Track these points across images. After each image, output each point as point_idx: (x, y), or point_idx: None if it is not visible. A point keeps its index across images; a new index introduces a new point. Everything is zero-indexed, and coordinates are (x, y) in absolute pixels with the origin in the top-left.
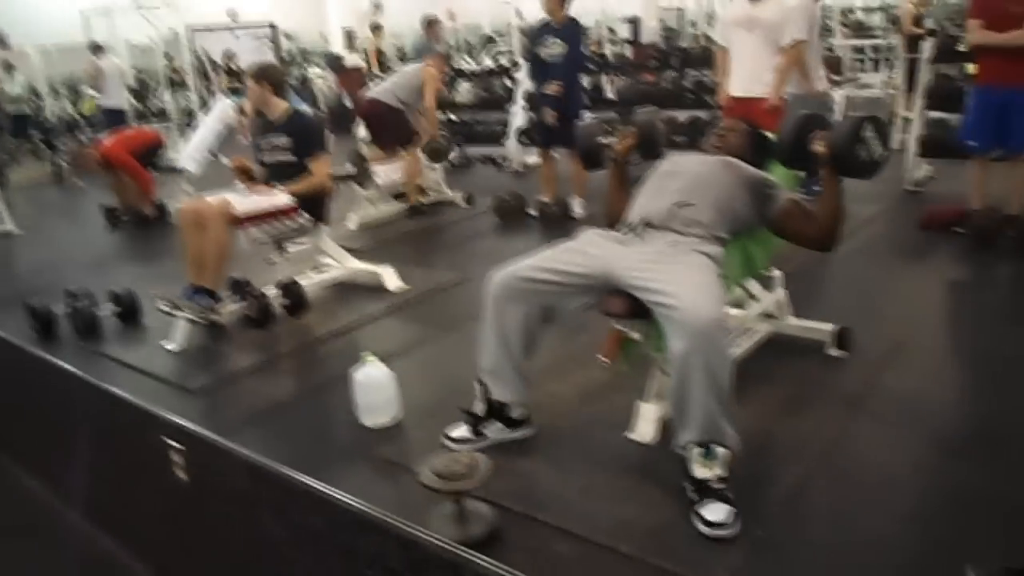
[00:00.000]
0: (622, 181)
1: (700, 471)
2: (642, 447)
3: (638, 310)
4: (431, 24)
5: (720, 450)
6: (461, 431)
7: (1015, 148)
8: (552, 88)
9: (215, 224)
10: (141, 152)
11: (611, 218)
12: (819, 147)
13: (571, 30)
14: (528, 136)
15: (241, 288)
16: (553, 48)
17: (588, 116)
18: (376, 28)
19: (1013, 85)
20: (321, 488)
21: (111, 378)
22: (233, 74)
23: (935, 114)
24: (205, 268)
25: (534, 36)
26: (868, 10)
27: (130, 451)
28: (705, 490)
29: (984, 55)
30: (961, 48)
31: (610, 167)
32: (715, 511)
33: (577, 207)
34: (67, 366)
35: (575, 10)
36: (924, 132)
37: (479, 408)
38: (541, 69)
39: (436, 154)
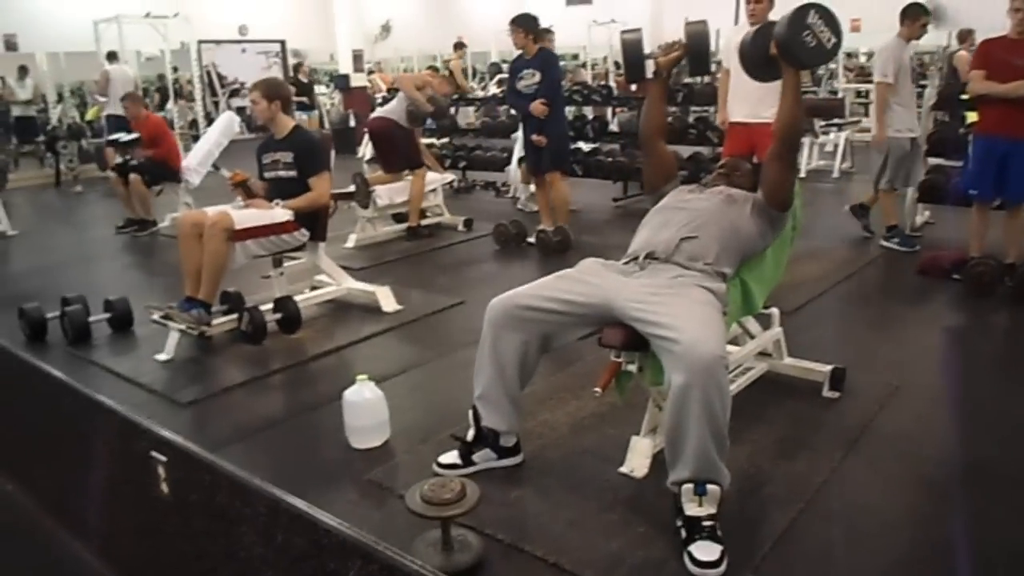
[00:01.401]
0: (662, 95)
1: (692, 509)
2: (633, 482)
3: (636, 342)
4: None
5: (712, 488)
6: (451, 457)
7: (1014, 197)
8: (537, 108)
9: (213, 236)
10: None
11: (645, 132)
12: (772, 47)
13: (544, 59)
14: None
15: (235, 302)
16: (529, 79)
17: (583, 146)
18: (459, 46)
19: (1014, 135)
20: (305, 509)
21: (99, 386)
22: (301, 85)
23: (935, 160)
24: (200, 280)
25: (512, 72)
26: (872, 55)
27: (113, 461)
28: (696, 528)
29: (986, 105)
30: (963, 96)
31: (652, 80)
32: (705, 550)
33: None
34: (53, 371)
35: (583, 43)
36: (924, 178)
37: (470, 434)
38: (521, 103)
39: (440, 112)
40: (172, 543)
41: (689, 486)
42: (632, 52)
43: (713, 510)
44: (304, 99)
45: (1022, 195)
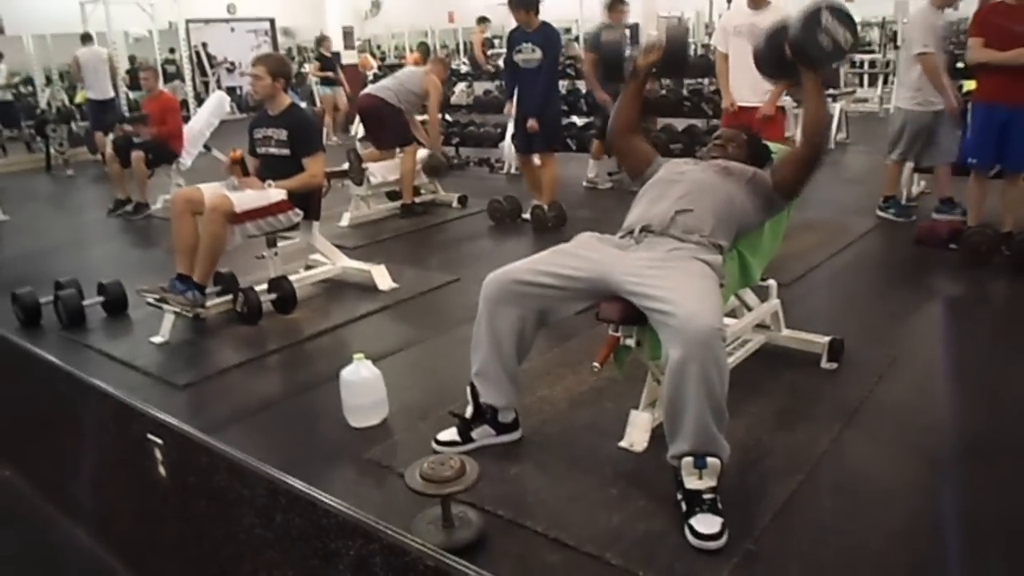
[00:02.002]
0: (636, 97)
1: (692, 482)
2: (632, 456)
3: (634, 316)
4: (614, 5)
5: (712, 461)
6: (449, 434)
7: (1013, 166)
8: (532, 127)
9: (213, 220)
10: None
11: (615, 132)
12: (788, 49)
13: (546, 36)
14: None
15: (228, 283)
16: (529, 54)
17: (576, 120)
18: (482, 20)
19: (1014, 103)
20: (304, 489)
21: (95, 370)
22: (325, 61)
23: None
24: (193, 258)
25: (510, 42)
26: (866, 25)
27: (110, 445)
28: (696, 501)
29: (985, 73)
30: (959, 65)
31: (628, 81)
32: (706, 523)
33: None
34: (48, 356)
35: (577, 16)
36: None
37: (468, 411)
38: (517, 76)
39: (434, 171)
40: (171, 526)
41: (689, 459)
42: (612, 53)
43: (713, 483)
44: (329, 74)
45: (1022, 163)
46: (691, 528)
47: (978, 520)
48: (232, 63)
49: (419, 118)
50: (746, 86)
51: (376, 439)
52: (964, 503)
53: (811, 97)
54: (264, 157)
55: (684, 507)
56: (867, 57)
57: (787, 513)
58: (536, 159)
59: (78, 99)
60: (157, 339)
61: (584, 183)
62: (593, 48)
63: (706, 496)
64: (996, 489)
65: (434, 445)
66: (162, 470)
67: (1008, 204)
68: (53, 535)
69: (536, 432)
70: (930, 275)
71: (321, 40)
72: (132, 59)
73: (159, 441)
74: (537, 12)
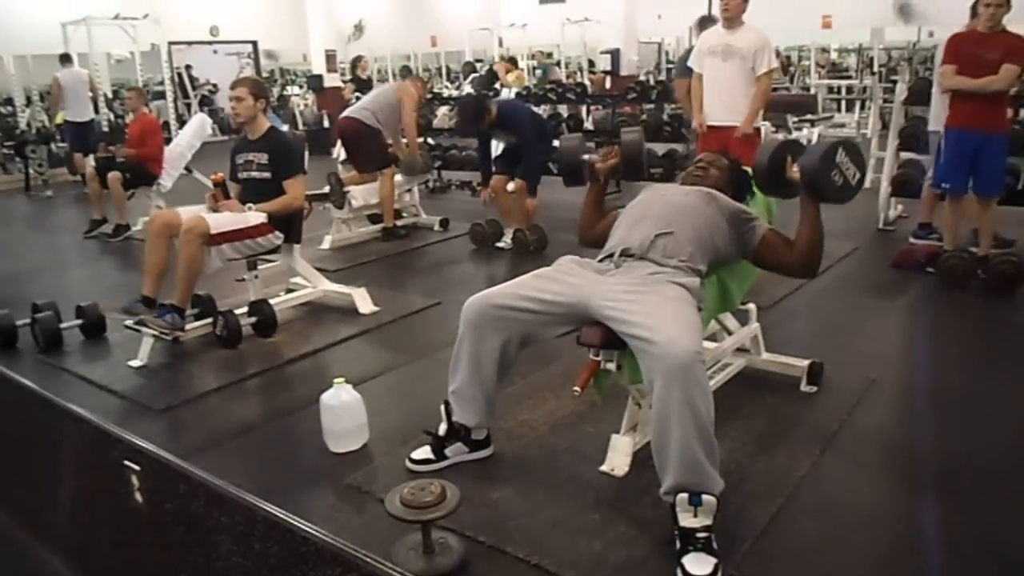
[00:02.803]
0: (599, 201)
1: (686, 520)
2: (614, 480)
3: (614, 341)
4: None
5: (708, 499)
6: (423, 452)
7: (986, 190)
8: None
9: (189, 241)
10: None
11: (583, 237)
12: (795, 173)
13: (511, 119)
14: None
15: (206, 306)
16: (507, 139)
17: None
18: (512, 61)
19: (985, 129)
20: (283, 517)
21: (72, 394)
22: (361, 83)
23: (907, 155)
24: (160, 281)
25: (483, 134)
26: (843, 51)
27: (86, 471)
28: (690, 540)
29: (957, 99)
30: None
31: (590, 185)
32: (699, 563)
33: (509, 239)
34: (23, 380)
35: (556, 42)
36: (897, 172)
37: (441, 428)
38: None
39: (410, 169)
40: (148, 554)
41: (684, 496)
42: (569, 157)
43: (708, 521)
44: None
45: (994, 188)
46: (683, 568)
47: (958, 543)
48: (215, 85)
49: (403, 141)
50: (721, 106)
51: (357, 464)
52: (944, 526)
53: (810, 224)
54: (246, 182)
55: (678, 545)
56: (844, 83)
57: (768, 537)
58: (511, 185)
59: (58, 120)
60: (135, 363)
61: None
62: (681, 74)
63: (700, 535)
64: (976, 512)
65: (408, 464)
66: (139, 497)
67: (983, 229)
68: (28, 562)
69: (517, 456)
70: (908, 299)
71: (357, 60)
72: (116, 92)
73: (136, 467)
74: (488, 114)
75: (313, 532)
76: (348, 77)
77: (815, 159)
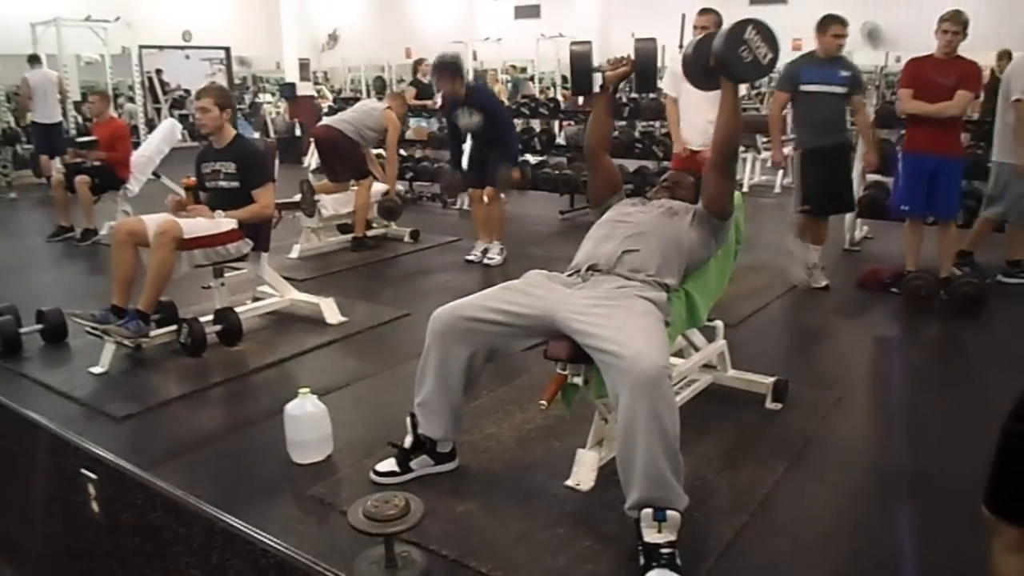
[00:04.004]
0: (608, 109)
1: (650, 535)
2: (579, 495)
3: (581, 355)
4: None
5: (672, 515)
6: (388, 464)
7: (943, 213)
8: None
9: (162, 245)
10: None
11: (590, 145)
12: (711, 59)
13: (478, 100)
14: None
15: (168, 312)
16: (466, 119)
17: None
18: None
19: (941, 153)
20: (243, 528)
21: (30, 400)
22: (422, 87)
23: (873, 176)
24: (130, 290)
25: (448, 109)
26: None
27: (43, 479)
28: (654, 556)
29: (914, 124)
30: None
31: (599, 94)
32: None
33: (494, 253)
34: None
35: (531, 57)
36: (863, 193)
37: (407, 441)
38: (462, 135)
39: (389, 213)
40: (104, 564)
41: (648, 511)
42: (580, 64)
43: (673, 537)
44: (427, 103)
45: (950, 211)
46: None
47: (922, 560)
48: (187, 91)
49: (374, 151)
50: (696, 131)
51: (320, 476)
52: (907, 543)
53: (726, 106)
54: (213, 191)
55: (642, 560)
56: None
57: (732, 554)
58: (485, 197)
59: (27, 120)
60: (96, 369)
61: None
62: (782, 87)
63: (664, 551)
64: (938, 528)
65: (372, 476)
66: (95, 506)
67: (943, 251)
68: None
69: (483, 470)
70: (873, 318)
71: (418, 63)
72: (85, 95)
73: (93, 476)
74: (461, 80)
75: (273, 545)
76: (409, 79)
77: (722, 37)
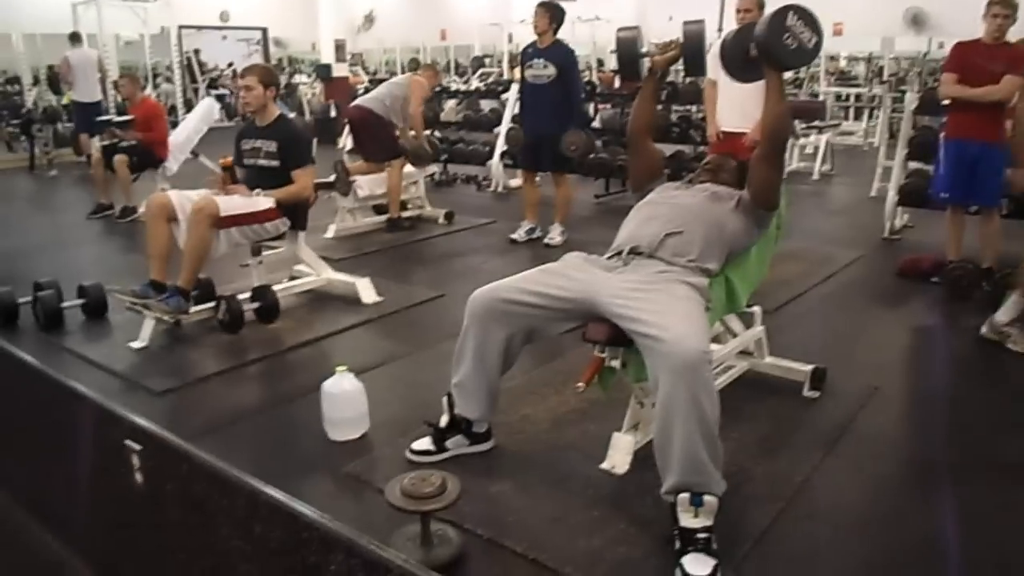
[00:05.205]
0: (654, 95)
1: (687, 520)
2: (614, 478)
3: (619, 338)
4: None
5: (709, 499)
6: (424, 443)
7: (985, 201)
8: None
9: (198, 222)
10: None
11: (634, 130)
12: (753, 49)
13: (558, 53)
14: (512, 158)
15: (205, 289)
16: (539, 70)
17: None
18: None
19: (984, 139)
20: (286, 501)
21: (71, 373)
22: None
23: (915, 164)
24: (166, 264)
25: (522, 59)
26: (852, 60)
27: (86, 450)
28: (690, 540)
29: (957, 109)
30: (945, 102)
31: (646, 78)
32: (698, 564)
33: (555, 234)
34: (25, 356)
35: (567, 38)
36: (904, 181)
37: (443, 420)
38: (527, 92)
39: (418, 158)
40: (147, 535)
41: (685, 496)
42: (627, 50)
43: (709, 522)
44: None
45: (993, 199)
46: (682, 568)
47: (959, 552)
48: (222, 71)
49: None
50: (734, 111)
51: (356, 453)
52: (945, 535)
53: (772, 96)
54: (251, 168)
55: (677, 544)
56: (853, 91)
57: (768, 541)
58: (538, 178)
59: (65, 100)
60: (136, 344)
61: None
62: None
63: (700, 535)
64: (976, 521)
65: (408, 454)
66: (139, 477)
67: (985, 240)
68: (24, 540)
69: (518, 451)
70: (913, 308)
71: None
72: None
73: (137, 447)
74: (553, 24)
75: (315, 517)
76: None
77: (765, 25)
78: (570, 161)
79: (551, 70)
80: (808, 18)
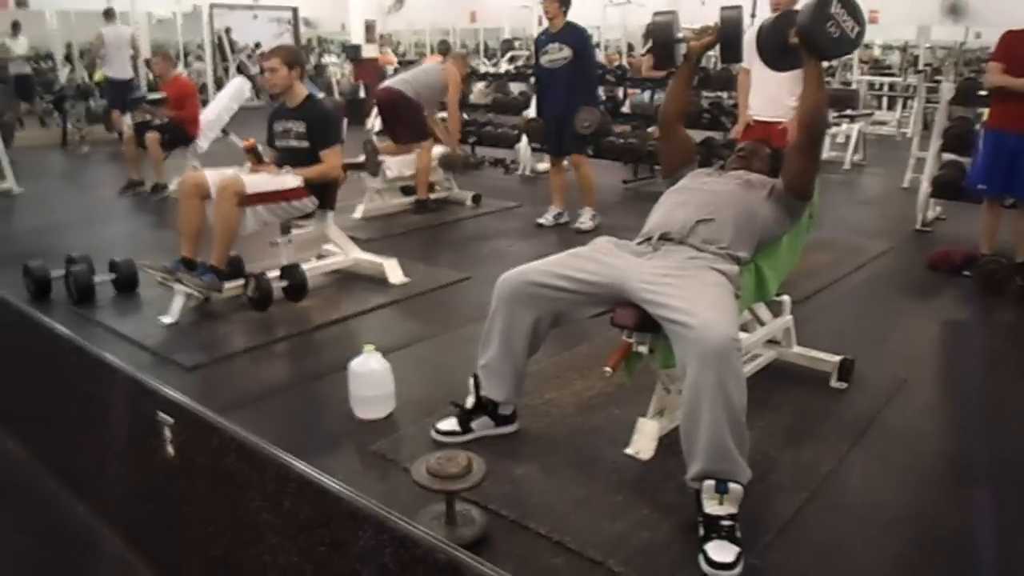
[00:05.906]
0: (688, 81)
1: (711, 507)
2: (639, 463)
3: (648, 323)
4: None
5: (734, 487)
6: (449, 424)
7: (1022, 194)
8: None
9: (224, 200)
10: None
11: (667, 115)
12: (793, 37)
13: (572, 35)
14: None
15: (234, 267)
16: (554, 54)
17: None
18: None
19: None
20: (317, 476)
21: (102, 346)
22: None
23: (949, 155)
24: (197, 242)
25: (537, 46)
26: (887, 48)
27: (118, 421)
28: (714, 527)
29: (1000, 99)
30: (982, 92)
31: (681, 64)
32: (721, 550)
33: (586, 219)
34: (59, 328)
35: (598, 22)
36: (938, 173)
37: (469, 402)
38: (544, 77)
39: (450, 165)
40: (177, 506)
41: (711, 483)
42: (663, 36)
43: (734, 510)
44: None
45: None
46: (705, 555)
47: (985, 548)
48: (249, 54)
49: (439, 115)
50: (766, 100)
51: (382, 432)
52: (971, 530)
53: (811, 85)
54: (283, 150)
55: (701, 531)
56: (887, 80)
57: (792, 530)
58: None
59: (97, 77)
60: (166, 319)
61: None
62: None
63: (724, 523)
64: (1003, 517)
65: (434, 434)
66: (170, 449)
67: (1020, 234)
68: (55, 510)
69: (543, 434)
70: (943, 301)
71: None
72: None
73: (169, 420)
74: (562, 8)
75: (345, 492)
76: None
77: (808, 12)
78: (587, 140)
79: (567, 52)
80: (851, 7)
